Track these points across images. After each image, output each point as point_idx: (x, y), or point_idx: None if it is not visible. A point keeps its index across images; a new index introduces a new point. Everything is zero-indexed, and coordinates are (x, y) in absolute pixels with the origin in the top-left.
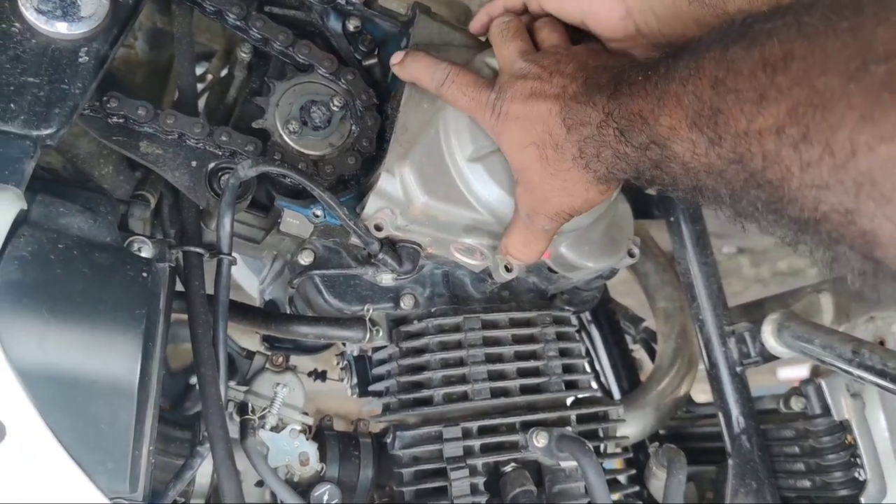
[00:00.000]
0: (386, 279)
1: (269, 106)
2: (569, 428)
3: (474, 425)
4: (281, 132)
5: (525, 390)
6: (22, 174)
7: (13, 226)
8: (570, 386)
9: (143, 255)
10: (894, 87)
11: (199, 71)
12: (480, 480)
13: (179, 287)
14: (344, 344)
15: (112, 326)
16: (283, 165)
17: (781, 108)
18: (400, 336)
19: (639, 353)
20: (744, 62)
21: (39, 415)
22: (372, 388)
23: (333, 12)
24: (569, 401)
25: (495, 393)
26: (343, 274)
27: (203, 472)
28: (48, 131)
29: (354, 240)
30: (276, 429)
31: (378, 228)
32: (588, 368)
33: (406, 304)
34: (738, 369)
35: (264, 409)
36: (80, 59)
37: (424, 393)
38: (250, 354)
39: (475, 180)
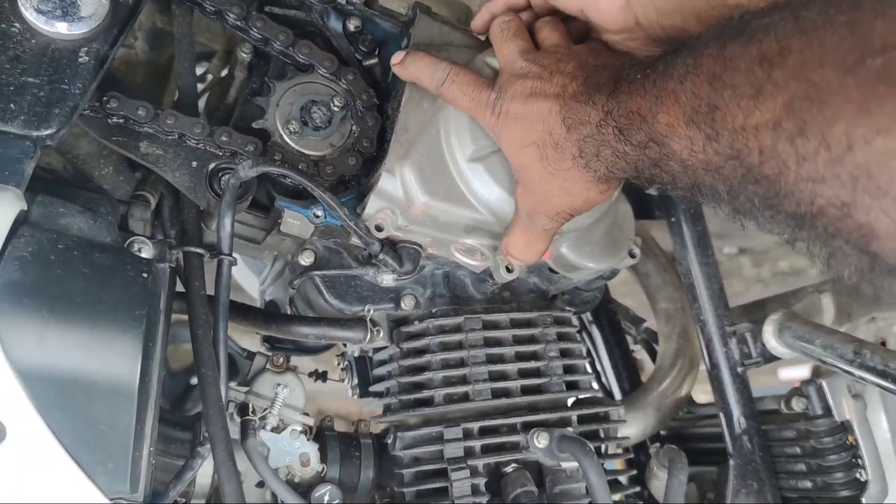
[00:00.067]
0: (387, 280)
1: (270, 106)
2: (570, 428)
3: (475, 426)
4: (281, 132)
5: (526, 391)
6: (22, 174)
7: (13, 226)
8: (571, 386)
9: (143, 255)
10: (891, 80)
11: (199, 71)
12: (481, 481)
13: (180, 287)
14: (344, 344)
15: (112, 327)
16: (283, 166)
17: (778, 102)
18: (401, 337)
19: (640, 353)
20: (741, 58)
21: (40, 415)
22: (373, 388)
23: (334, 12)
24: (570, 401)
25: (496, 394)
26: (344, 274)
27: (204, 472)
28: (48, 132)
29: (355, 240)
30: (276, 429)
31: (379, 229)
32: (589, 369)
33: (407, 304)
34: (740, 370)
35: (265, 409)
36: (80, 60)
37: (425, 393)
38: (251, 355)
39: (476, 180)
